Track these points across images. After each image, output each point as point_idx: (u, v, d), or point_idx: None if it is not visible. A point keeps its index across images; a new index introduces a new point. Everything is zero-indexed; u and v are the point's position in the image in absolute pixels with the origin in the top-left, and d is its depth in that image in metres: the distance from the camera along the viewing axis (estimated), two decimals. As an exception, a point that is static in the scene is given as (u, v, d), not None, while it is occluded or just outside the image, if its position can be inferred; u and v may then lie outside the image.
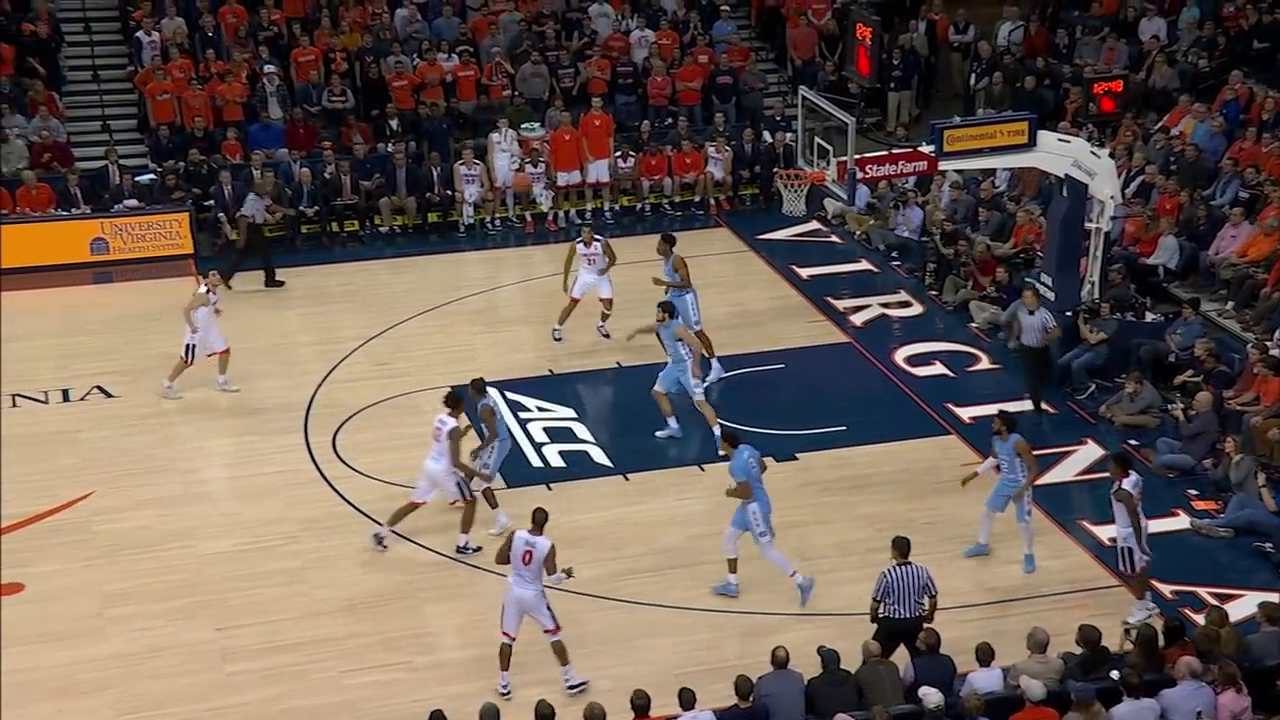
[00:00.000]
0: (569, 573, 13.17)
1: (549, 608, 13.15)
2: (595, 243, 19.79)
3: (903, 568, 13.06)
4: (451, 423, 15.09)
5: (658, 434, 17.64)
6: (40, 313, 21.30)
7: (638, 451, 17.51)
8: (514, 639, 13.16)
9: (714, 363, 19.08)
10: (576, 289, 19.89)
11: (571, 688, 13.16)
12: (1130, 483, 14.00)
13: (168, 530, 16.00)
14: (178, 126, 24.50)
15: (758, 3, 29.15)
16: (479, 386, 15.85)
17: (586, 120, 24.65)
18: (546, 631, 13.18)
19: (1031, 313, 17.93)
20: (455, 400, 15.31)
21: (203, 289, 18.60)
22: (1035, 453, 15.19)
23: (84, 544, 15.71)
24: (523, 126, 24.72)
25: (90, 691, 13.50)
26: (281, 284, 22.15)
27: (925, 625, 12.83)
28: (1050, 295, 18.79)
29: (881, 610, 12.99)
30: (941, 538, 15.55)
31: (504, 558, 13.14)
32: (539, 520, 13.17)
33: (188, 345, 18.46)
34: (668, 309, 17.45)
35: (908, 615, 12.93)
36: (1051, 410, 18.05)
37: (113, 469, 17.17)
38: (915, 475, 16.94)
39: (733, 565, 14.63)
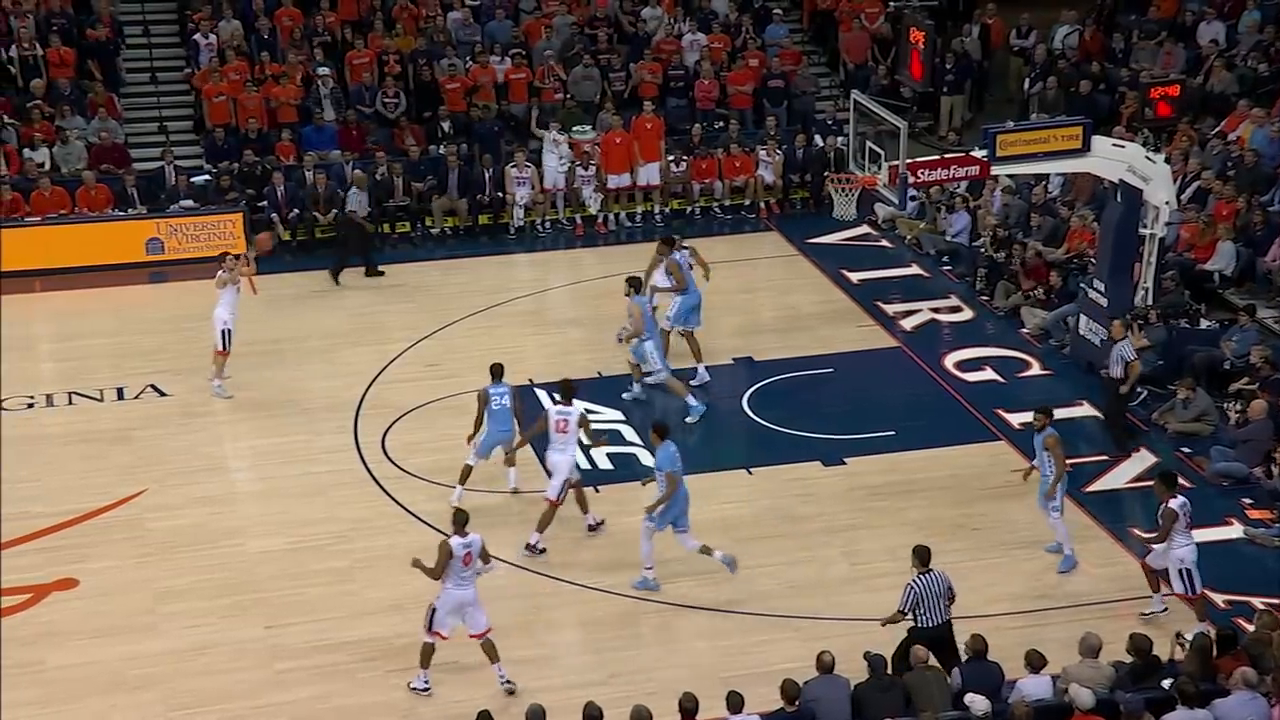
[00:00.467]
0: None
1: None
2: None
3: (926, 576, 12.98)
4: (574, 411, 15.60)
5: (688, 416, 17.99)
6: (96, 312, 21.56)
7: (685, 455, 17.41)
8: (447, 639, 13.29)
9: (664, 363, 19.09)
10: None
11: (507, 684, 13.29)
12: (1177, 504, 13.86)
13: (219, 528, 16.14)
14: (233, 128, 24.72)
15: (810, 6, 29.07)
16: (496, 372, 16.24)
17: (638, 123, 24.66)
18: (483, 634, 13.28)
19: (1115, 341, 17.32)
20: (569, 391, 15.81)
21: (222, 272, 18.71)
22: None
23: (137, 541, 15.87)
24: (574, 129, 24.79)
25: (142, 687, 13.63)
26: (339, 284, 22.35)
27: (952, 630, 12.78)
28: (1102, 301, 18.62)
29: (913, 621, 12.89)
30: (991, 543, 15.50)
31: (441, 571, 13.17)
32: (461, 521, 13.30)
33: (222, 333, 18.61)
34: (633, 284, 17.98)
35: (938, 622, 12.87)
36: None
37: (166, 467, 17.33)
38: (964, 481, 16.84)
39: (705, 549, 14.75)
